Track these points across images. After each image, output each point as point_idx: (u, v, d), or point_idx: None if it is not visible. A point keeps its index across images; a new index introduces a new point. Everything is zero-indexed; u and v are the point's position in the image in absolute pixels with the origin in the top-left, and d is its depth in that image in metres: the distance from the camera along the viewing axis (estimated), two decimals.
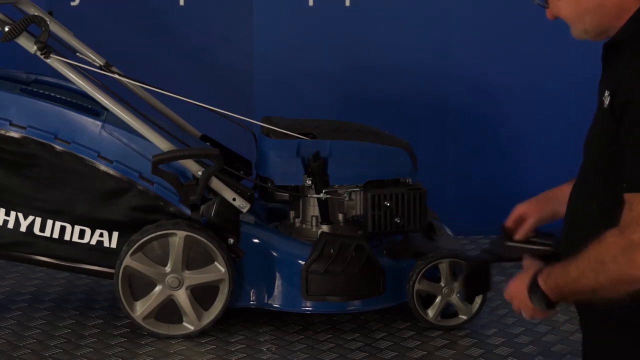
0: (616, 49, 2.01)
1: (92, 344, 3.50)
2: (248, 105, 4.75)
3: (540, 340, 3.57)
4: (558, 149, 4.71)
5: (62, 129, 3.52)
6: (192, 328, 3.55)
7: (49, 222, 3.53)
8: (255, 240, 3.62)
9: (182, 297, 3.52)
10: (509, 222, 2.45)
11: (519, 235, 2.40)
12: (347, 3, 4.79)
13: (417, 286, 3.59)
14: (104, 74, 3.75)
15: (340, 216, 3.69)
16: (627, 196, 1.91)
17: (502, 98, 4.83)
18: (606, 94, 1.97)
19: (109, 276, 3.55)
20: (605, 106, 1.95)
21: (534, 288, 2.05)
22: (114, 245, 3.56)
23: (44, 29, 3.44)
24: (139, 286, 3.53)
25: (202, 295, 3.54)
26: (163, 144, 3.52)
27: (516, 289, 2.12)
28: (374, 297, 3.61)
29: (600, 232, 1.96)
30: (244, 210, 3.57)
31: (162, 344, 3.51)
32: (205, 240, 3.49)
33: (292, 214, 3.76)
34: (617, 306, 1.97)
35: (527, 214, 2.40)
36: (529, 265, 2.16)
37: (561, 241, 2.22)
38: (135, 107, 3.61)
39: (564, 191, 2.27)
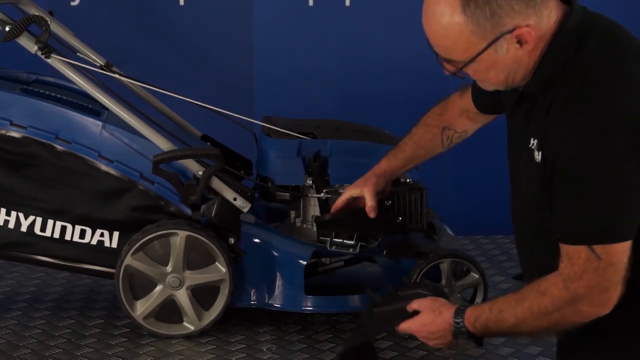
0: (529, 101, 2.05)
1: (92, 344, 3.50)
2: (248, 105, 4.75)
3: (541, 340, 3.56)
4: None
5: (63, 128, 3.52)
6: (192, 328, 3.55)
7: (50, 222, 3.53)
8: (256, 240, 3.62)
9: (182, 297, 3.52)
10: (338, 203, 2.82)
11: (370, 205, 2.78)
12: (347, 3, 4.79)
13: None
14: (105, 74, 3.75)
15: None
16: (565, 248, 1.96)
17: None
18: (533, 143, 2.01)
19: (110, 276, 3.55)
20: (538, 161, 1.99)
21: (461, 331, 2.13)
22: (114, 245, 3.56)
23: (44, 28, 3.44)
24: (140, 286, 3.53)
25: (203, 295, 3.54)
26: (164, 144, 3.52)
27: (428, 329, 2.17)
28: None
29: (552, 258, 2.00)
30: (245, 210, 3.56)
31: (162, 344, 3.51)
32: (206, 240, 3.48)
33: (292, 213, 3.76)
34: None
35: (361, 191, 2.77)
36: (429, 306, 2.19)
37: (520, 262, 2.25)
38: (135, 107, 3.61)
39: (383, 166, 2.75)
